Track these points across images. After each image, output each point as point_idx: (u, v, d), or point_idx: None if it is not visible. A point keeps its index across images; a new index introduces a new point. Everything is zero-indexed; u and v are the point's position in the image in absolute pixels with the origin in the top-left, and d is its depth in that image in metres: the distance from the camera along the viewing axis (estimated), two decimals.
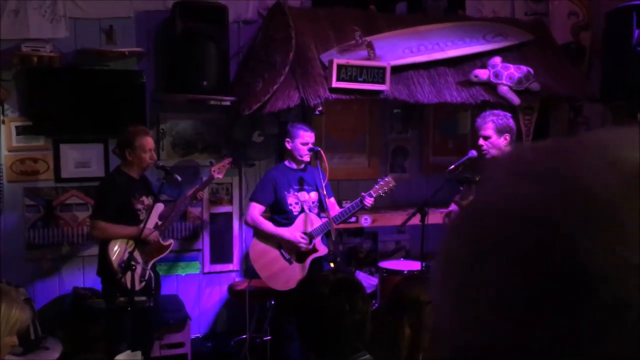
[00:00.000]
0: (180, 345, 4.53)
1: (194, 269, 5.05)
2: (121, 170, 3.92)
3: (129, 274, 3.67)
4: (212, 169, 4.18)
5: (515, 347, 0.43)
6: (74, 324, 4.26)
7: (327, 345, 1.70)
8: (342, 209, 4.18)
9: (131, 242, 3.79)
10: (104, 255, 3.82)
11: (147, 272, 3.88)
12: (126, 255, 3.73)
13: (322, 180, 4.05)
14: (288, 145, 4.16)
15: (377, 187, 4.13)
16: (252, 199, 4.19)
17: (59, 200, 4.62)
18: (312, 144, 4.12)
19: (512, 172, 0.47)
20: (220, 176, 4.21)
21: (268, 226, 4.07)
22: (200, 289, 5.09)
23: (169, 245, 4.05)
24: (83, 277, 4.71)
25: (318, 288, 1.74)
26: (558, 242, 0.41)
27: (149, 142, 3.85)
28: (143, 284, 3.81)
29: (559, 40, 5.46)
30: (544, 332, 0.42)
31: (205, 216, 5.03)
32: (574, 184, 0.42)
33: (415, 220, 4.10)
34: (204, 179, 4.95)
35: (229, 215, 5.11)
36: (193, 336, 4.77)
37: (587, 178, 0.42)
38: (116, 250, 3.79)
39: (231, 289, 4.81)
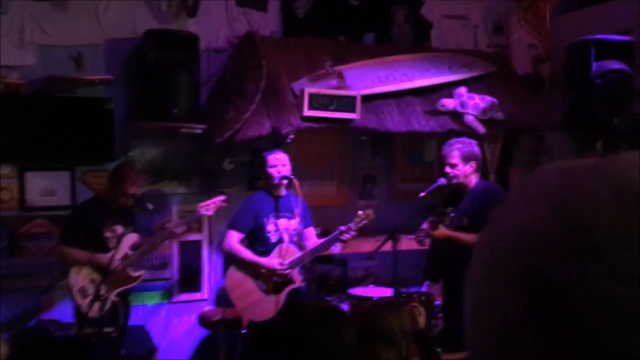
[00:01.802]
0: None
1: (162, 298, 4.97)
2: (98, 198, 3.93)
3: (88, 301, 3.62)
4: (201, 205, 4.06)
5: None
6: (39, 357, 4.12)
7: None
8: (319, 242, 4.15)
9: (95, 270, 3.75)
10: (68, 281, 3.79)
11: (109, 301, 3.80)
12: (86, 282, 3.72)
13: (297, 208, 4.04)
14: (262, 173, 4.16)
15: (357, 219, 4.04)
16: (231, 226, 4.13)
17: (24, 229, 4.50)
18: (283, 165, 4.08)
19: (525, 198, 0.49)
20: (210, 213, 4.11)
21: (246, 253, 4.02)
22: (169, 319, 5.00)
23: (138, 277, 3.98)
24: (47, 308, 4.57)
25: (303, 318, 1.75)
26: (550, 267, 0.43)
27: (134, 190, 3.83)
28: (103, 312, 3.73)
29: (519, 72, 5.66)
30: (529, 349, 0.43)
31: (175, 245, 4.97)
32: (576, 214, 0.44)
33: (385, 246, 4.14)
34: (174, 207, 4.93)
35: (199, 244, 5.07)
36: None
37: (588, 209, 0.43)
38: (77, 276, 3.75)
39: (202, 318, 4.74)
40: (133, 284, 3.98)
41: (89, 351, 3.76)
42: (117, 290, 3.88)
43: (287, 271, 3.98)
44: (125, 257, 3.87)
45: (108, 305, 3.75)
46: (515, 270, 0.45)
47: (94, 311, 3.61)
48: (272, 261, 4.00)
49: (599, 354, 0.41)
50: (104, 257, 3.73)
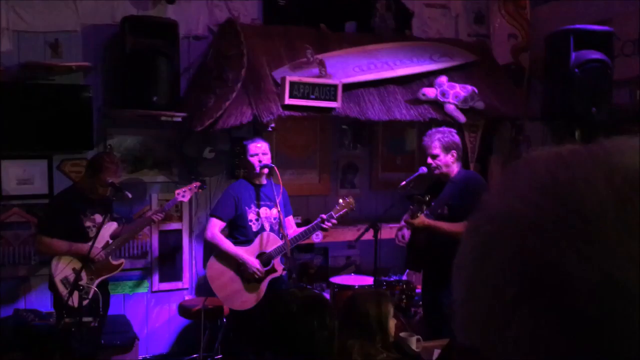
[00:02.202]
0: None
1: (142, 287, 4.94)
2: (76, 187, 3.89)
3: (73, 291, 3.59)
4: (177, 191, 4.13)
5: (500, 348, 0.45)
6: (17, 347, 4.08)
7: None
8: (300, 230, 4.15)
9: (76, 259, 3.73)
10: (50, 271, 3.75)
11: (92, 291, 3.77)
12: (69, 271, 3.70)
13: (278, 197, 4.03)
14: (243, 162, 4.14)
15: (337, 207, 4.07)
16: (212, 215, 4.11)
17: (1, 218, 4.43)
18: (264, 154, 4.07)
19: (515, 182, 0.49)
20: (186, 199, 4.18)
21: (227, 245, 4.00)
22: (149, 308, 4.97)
23: (119, 265, 3.97)
24: (25, 298, 4.52)
25: (287, 306, 1.75)
26: (545, 250, 0.43)
27: (113, 179, 3.79)
28: (86, 301, 3.71)
29: (499, 61, 5.70)
30: (522, 332, 0.43)
31: (154, 234, 4.93)
32: (569, 197, 0.44)
33: (366, 235, 4.16)
34: (153, 195, 4.89)
35: (179, 232, 5.04)
36: (141, 357, 4.65)
37: (581, 192, 0.44)
38: (59, 266, 3.73)
39: (182, 307, 4.72)
40: (114, 272, 3.96)
41: (69, 341, 3.73)
42: (100, 279, 3.85)
43: (261, 274, 3.99)
44: (105, 245, 3.84)
45: (90, 295, 3.72)
46: (507, 253, 0.45)
47: (76, 300, 3.57)
48: (252, 260, 3.99)
49: (595, 334, 0.41)
50: (84, 247, 3.70)
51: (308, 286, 5.04)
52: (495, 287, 0.46)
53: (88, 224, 3.81)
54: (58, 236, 3.72)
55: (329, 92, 4.45)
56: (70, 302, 3.54)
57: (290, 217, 4.32)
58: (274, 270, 4.07)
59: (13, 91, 4.35)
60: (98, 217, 3.82)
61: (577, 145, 0.49)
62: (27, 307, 4.44)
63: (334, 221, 4.05)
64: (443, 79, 4.88)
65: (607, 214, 0.42)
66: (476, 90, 4.89)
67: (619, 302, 0.40)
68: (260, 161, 4.02)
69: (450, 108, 4.80)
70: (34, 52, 4.44)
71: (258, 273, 3.99)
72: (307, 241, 4.81)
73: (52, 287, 3.78)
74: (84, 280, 3.72)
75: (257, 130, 4.74)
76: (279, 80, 4.45)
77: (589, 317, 0.41)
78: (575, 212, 0.43)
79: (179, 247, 5.04)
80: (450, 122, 4.68)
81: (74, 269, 3.73)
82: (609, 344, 0.40)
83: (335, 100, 4.47)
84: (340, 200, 4.14)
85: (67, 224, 3.75)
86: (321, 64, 4.55)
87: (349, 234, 4.99)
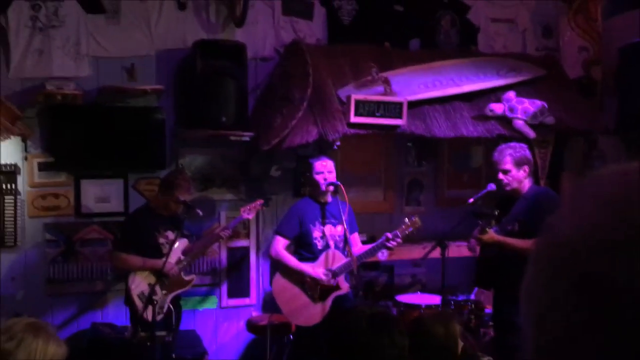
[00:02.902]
0: None
1: (211, 303, 5.05)
2: (149, 206, 4.09)
3: (148, 306, 3.71)
4: (243, 209, 4.26)
5: None
6: (93, 359, 4.24)
7: None
8: (366, 248, 4.15)
9: (151, 274, 3.87)
10: (126, 286, 3.92)
11: (166, 306, 3.90)
12: (145, 286, 3.83)
13: (344, 214, 4.04)
14: (308, 180, 4.19)
15: (403, 227, 4.06)
16: (277, 232, 4.18)
17: (79, 235, 4.66)
18: (329, 172, 4.10)
19: (582, 203, 0.49)
20: (251, 217, 4.32)
21: (291, 261, 4.05)
22: (217, 324, 5.07)
23: (190, 280, 4.09)
24: (102, 312, 4.71)
25: (356, 322, 1.76)
26: (614, 272, 0.43)
27: (185, 197, 3.95)
28: (160, 316, 3.83)
29: (570, 75, 5.54)
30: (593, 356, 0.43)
31: (223, 250, 5.05)
32: (637, 220, 0.43)
33: (432, 253, 4.11)
34: (222, 213, 5.02)
35: (246, 250, 5.13)
36: None
37: None
38: (135, 280, 3.89)
39: (250, 323, 4.79)
40: (186, 288, 4.09)
41: (143, 354, 3.85)
42: (173, 294, 3.98)
43: (331, 281, 3.99)
44: (178, 261, 3.97)
45: (165, 309, 3.85)
46: (576, 276, 0.45)
47: (150, 315, 3.70)
48: (317, 270, 4.02)
49: None
50: (158, 262, 3.83)
51: (372, 303, 5.01)
52: (566, 310, 0.46)
53: (161, 240, 3.96)
54: (133, 252, 3.88)
55: (394, 109, 4.45)
56: (144, 316, 3.66)
57: (356, 235, 4.32)
58: (338, 287, 4.07)
59: (92, 114, 4.59)
60: (170, 234, 3.96)
61: None
62: (103, 321, 4.62)
63: (399, 240, 4.02)
64: (511, 94, 4.79)
65: None
66: (546, 105, 4.77)
67: None
68: (325, 179, 4.06)
69: (519, 124, 4.70)
70: (111, 77, 4.67)
71: (325, 277, 3.98)
72: (372, 259, 4.80)
73: (129, 301, 3.93)
74: (158, 295, 3.85)
75: (322, 148, 4.80)
76: (344, 99, 4.49)
77: None
78: None
79: (246, 264, 5.13)
80: (518, 138, 4.57)
81: (149, 284, 3.87)
82: None
83: (400, 117, 4.47)
84: (407, 220, 4.11)
85: (142, 240, 3.90)
86: (386, 81, 4.56)
87: (414, 252, 4.94)
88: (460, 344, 2.66)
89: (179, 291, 4.04)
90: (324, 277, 3.98)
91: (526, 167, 3.81)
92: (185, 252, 4.05)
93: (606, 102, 5.36)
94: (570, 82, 5.45)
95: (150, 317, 3.67)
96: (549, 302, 0.48)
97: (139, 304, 3.84)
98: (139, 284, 3.88)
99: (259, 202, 4.31)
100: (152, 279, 3.85)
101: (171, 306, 3.90)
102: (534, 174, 4.36)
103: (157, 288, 3.83)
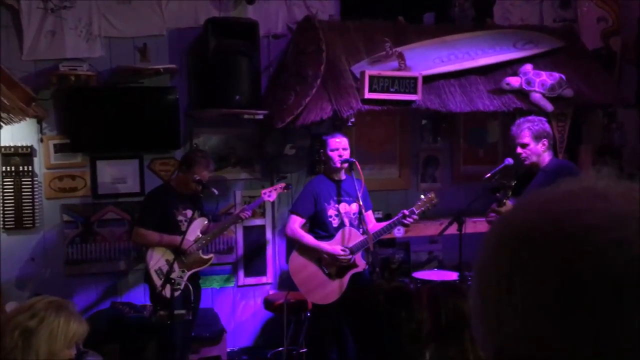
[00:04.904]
0: (216, 358, 4.55)
1: (228, 282, 5.08)
2: (169, 184, 4.13)
3: (166, 283, 3.74)
4: (264, 191, 4.25)
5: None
6: (113, 338, 4.29)
7: (384, 353, 1.70)
8: (382, 225, 4.12)
9: (169, 251, 3.91)
10: (145, 262, 3.97)
11: (183, 282, 3.92)
12: (163, 263, 3.87)
13: (359, 192, 4.01)
14: (323, 157, 4.16)
15: (419, 203, 4.03)
16: (292, 211, 4.15)
17: (97, 216, 4.69)
18: (344, 149, 4.06)
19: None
20: (272, 199, 4.31)
21: (308, 239, 4.03)
22: (235, 302, 5.11)
23: (209, 259, 4.12)
24: (121, 292, 4.76)
25: (374, 296, 1.74)
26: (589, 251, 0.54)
27: (203, 175, 3.96)
28: (178, 293, 3.85)
29: (589, 46, 5.43)
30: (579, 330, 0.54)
31: (239, 230, 5.06)
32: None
33: (449, 229, 4.08)
34: (237, 192, 5.02)
35: (262, 229, 5.14)
36: (229, 349, 4.78)
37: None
38: (153, 256, 3.94)
39: (267, 301, 4.82)
40: (204, 266, 4.11)
41: (162, 333, 3.89)
42: (190, 272, 4.00)
43: (349, 256, 3.97)
44: (196, 239, 3.99)
45: (182, 287, 3.88)
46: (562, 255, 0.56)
47: (168, 292, 3.73)
48: (334, 247, 3.99)
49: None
50: (175, 238, 3.87)
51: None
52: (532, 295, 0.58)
53: (180, 217, 3.99)
54: (152, 228, 3.92)
55: (408, 84, 4.39)
56: (163, 293, 3.69)
57: (370, 212, 4.29)
58: (355, 265, 4.05)
59: (106, 95, 4.59)
60: (189, 212, 3.98)
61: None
62: (122, 301, 4.67)
63: (415, 217, 3.99)
64: (528, 67, 4.70)
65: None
66: (564, 78, 4.69)
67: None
68: (340, 156, 4.02)
69: (537, 97, 4.62)
70: (124, 57, 4.65)
71: (343, 253, 3.97)
72: (388, 236, 4.78)
73: (147, 278, 3.96)
74: (176, 272, 3.89)
75: (336, 125, 4.76)
76: (357, 75, 4.44)
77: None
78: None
79: (262, 243, 5.14)
80: (536, 111, 4.50)
81: (167, 261, 3.89)
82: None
83: (415, 92, 4.41)
84: (422, 196, 4.08)
85: (162, 216, 3.95)
86: (400, 56, 4.50)
87: (431, 229, 4.90)
88: None
89: (197, 269, 4.06)
90: (342, 253, 3.96)
91: (545, 141, 3.75)
92: (203, 231, 4.07)
93: (625, 74, 5.24)
94: (588, 54, 5.34)
95: (168, 294, 3.70)
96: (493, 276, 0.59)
97: (156, 280, 3.87)
98: (158, 260, 3.91)
99: (281, 185, 4.31)
100: (170, 256, 3.88)
101: (189, 284, 3.92)
102: (552, 148, 4.29)
103: (175, 265, 3.86)
